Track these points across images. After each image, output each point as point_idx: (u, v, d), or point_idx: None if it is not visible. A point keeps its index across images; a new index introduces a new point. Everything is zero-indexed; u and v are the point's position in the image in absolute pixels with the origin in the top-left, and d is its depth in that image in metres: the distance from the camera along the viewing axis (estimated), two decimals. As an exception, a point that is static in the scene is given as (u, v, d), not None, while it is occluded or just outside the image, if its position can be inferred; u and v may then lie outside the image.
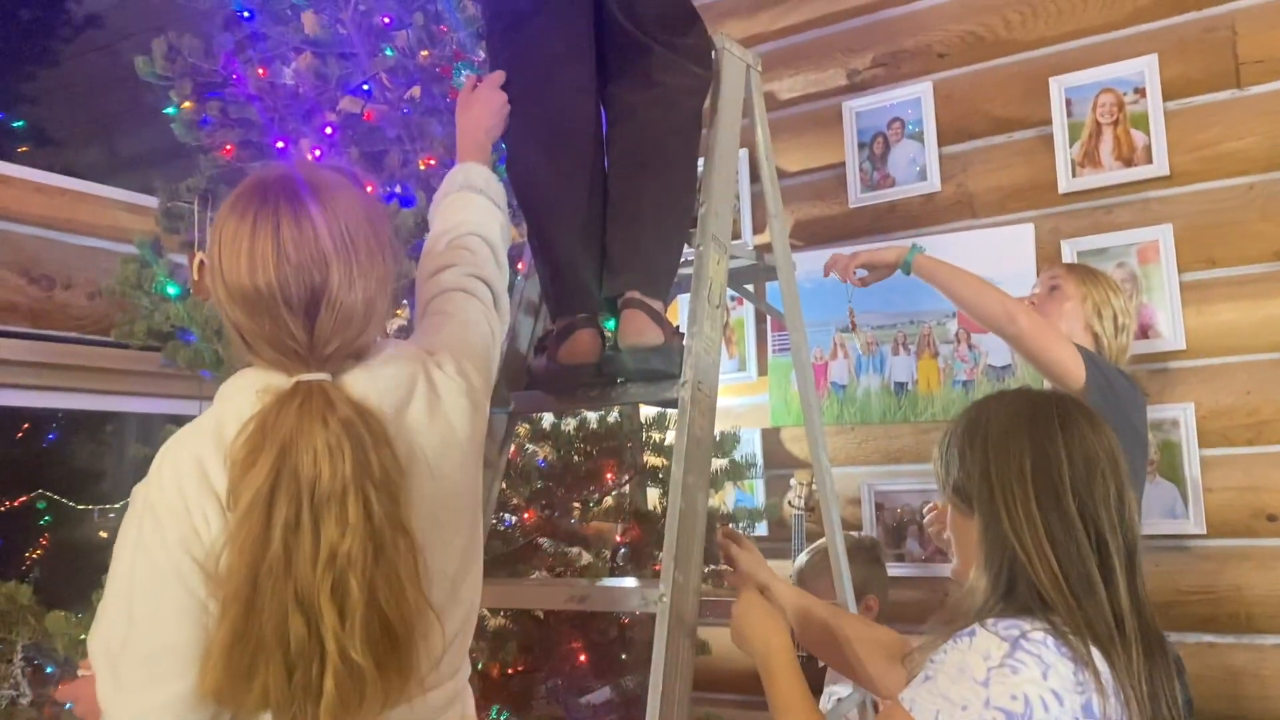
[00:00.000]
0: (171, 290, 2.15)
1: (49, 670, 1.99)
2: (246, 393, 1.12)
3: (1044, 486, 1.20)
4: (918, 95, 3.08)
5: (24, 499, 2.78)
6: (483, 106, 1.68)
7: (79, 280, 2.53)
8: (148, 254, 2.22)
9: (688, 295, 1.75)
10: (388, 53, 2.11)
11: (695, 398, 1.65)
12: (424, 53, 2.12)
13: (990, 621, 1.15)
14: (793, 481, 3.00)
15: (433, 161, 2.12)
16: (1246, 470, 2.54)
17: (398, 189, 2.13)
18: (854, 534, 2.70)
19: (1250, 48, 2.62)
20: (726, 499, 3.13)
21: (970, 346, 2.95)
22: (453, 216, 1.48)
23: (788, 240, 2.07)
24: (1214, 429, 2.57)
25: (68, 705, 1.82)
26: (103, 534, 2.13)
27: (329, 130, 2.07)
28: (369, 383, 1.14)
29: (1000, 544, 1.21)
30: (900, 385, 3.05)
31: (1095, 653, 1.14)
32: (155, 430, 2.20)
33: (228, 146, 2.22)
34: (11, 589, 1.99)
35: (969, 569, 1.26)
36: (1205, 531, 2.55)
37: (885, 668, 1.51)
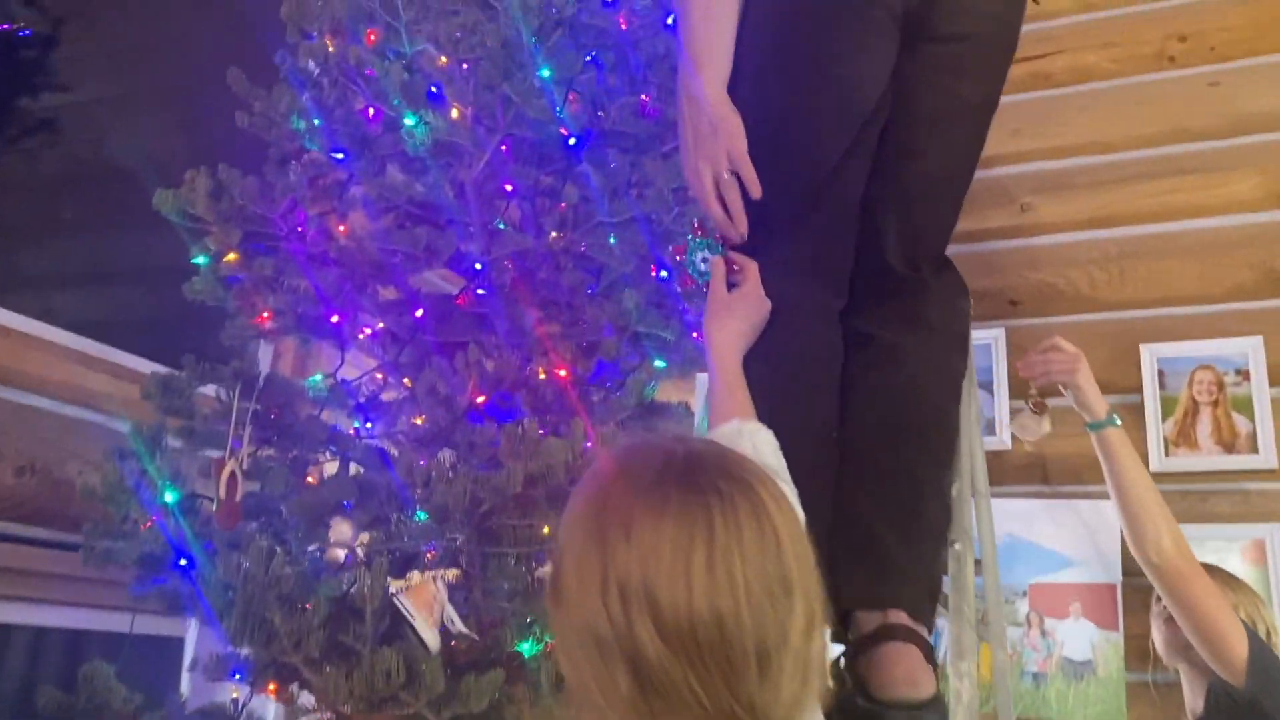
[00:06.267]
0: (171, 495, 1.56)
1: None
2: None
3: None
4: (989, 341, 2.83)
5: None
6: (744, 317, 1.27)
7: (7, 450, 1.86)
8: (140, 445, 1.61)
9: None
10: (498, 225, 1.66)
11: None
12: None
13: None
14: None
15: (542, 375, 1.63)
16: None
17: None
18: None
19: (1366, 343, 2.49)
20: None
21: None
22: None
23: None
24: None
25: None
26: None
27: (419, 313, 1.60)
28: None
29: None
30: (952, 661, 2.67)
31: None
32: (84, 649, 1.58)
33: (264, 313, 1.70)
34: None
35: None
36: None
37: None
